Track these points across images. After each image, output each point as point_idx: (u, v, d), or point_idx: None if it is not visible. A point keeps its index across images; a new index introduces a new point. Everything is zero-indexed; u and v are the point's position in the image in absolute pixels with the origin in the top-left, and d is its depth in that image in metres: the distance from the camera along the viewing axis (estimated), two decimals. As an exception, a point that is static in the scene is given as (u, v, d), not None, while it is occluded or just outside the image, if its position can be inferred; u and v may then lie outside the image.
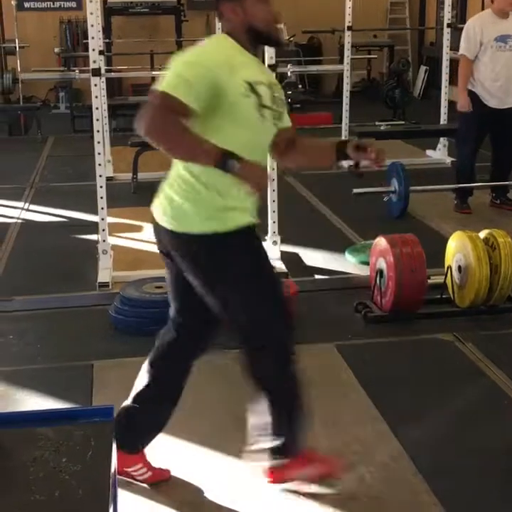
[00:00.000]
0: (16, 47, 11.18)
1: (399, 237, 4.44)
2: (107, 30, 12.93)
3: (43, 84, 13.27)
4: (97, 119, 4.91)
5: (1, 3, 12.87)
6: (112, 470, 1.44)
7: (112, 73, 7.55)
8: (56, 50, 13.76)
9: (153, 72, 11.22)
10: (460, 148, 6.69)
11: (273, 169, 5.06)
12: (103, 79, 7.62)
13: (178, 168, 2.63)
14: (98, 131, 4.87)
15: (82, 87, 11.12)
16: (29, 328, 4.38)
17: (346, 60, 8.30)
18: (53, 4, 13.91)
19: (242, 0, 2.65)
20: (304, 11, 14.19)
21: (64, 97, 12.77)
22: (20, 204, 6.99)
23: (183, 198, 2.60)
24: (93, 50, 4.80)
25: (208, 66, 2.51)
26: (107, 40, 12.77)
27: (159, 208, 2.68)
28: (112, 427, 1.49)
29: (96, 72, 4.88)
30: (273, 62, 4.90)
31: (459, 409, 3.45)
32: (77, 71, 10.30)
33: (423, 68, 14.08)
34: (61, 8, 13.88)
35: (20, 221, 6.49)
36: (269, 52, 4.89)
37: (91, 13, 4.78)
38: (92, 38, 4.75)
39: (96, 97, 4.90)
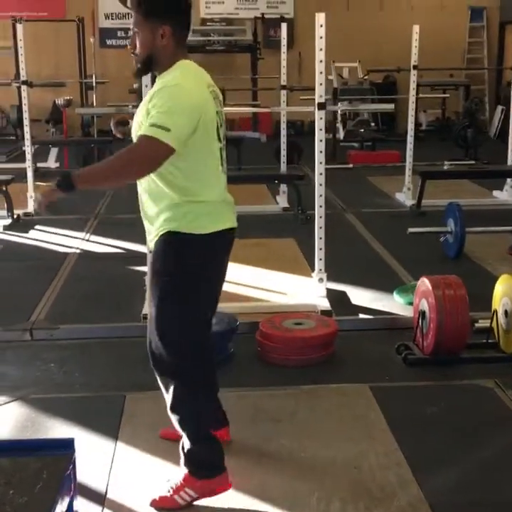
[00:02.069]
0: (93, 82, 11.53)
1: (442, 279, 4.36)
2: (183, 67, 13.24)
3: (121, 118, 13.60)
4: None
5: (84, 40, 13.30)
6: (66, 503, 1.44)
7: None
8: (135, 85, 14.12)
9: (225, 108, 11.39)
10: None
11: (320, 207, 5.06)
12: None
13: None
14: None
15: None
16: (70, 356, 4.45)
17: (411, 99, 8.22)
18: (133, 41, 14.30)
19: None
20: (380, 49, 14.25)
21: (138, 131, 13.05)
22: (81, 234, 7.17)
23: None
24: (145, 86, 4.88)
25: None
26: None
27: None
28: (68, 460, 1.49)
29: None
30: (322, 100, 4.90)
31: (488, 458, 3.32)
32: (130, 106, 10.52)
33: (500, 108, 13.90)
34: (141, 45, 14.25)
35: (78, 251, 6.64)
36: (319, 90, 4.91)
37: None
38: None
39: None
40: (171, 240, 2.85)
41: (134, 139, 2.88)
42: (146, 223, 2.98)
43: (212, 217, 2.89)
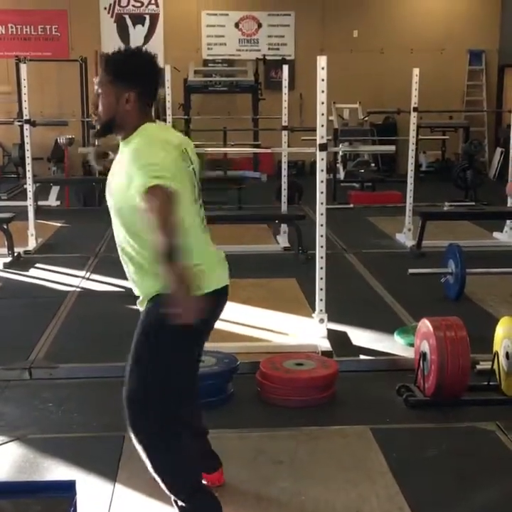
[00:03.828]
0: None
1: (443, 320, 4.34)
2: (186, 107, 13.37)
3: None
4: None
5: (87, 80, 13.43)
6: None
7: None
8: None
9: (226, 149, 11.49)
10: None
11: (321, 247, 5.07)
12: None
13: None
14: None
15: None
16: (69, 396, 4.43)
17: (411, 140, 8.28)
18: (136, 81, 14.44)
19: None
20: (381, 91, 14.40)
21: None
22: (81, 273, 7.17)
23: None
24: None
25: None
26: (186, 117, 13.19)
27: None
28: (69, 503, 1.48)
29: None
30: (324, 141, 4.94)
31: (490, 503, 3.30)
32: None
33: (499, 150, 14.00)
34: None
35: (78, 289, 6.64)
36: (321, 132, 4.94)
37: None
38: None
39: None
40: (160, 302, 2.69)
41: (111, 202, 2.81)
42: (131, 282, 2.89)
43: (203, 278, 2.74)
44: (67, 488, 1.53)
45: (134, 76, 2.75)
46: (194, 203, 2.81)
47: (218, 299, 2.86)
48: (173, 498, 2.91)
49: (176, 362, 2.79)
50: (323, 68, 4.85)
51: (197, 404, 3.23)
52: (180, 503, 2.89)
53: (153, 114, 2.86)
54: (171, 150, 2.74)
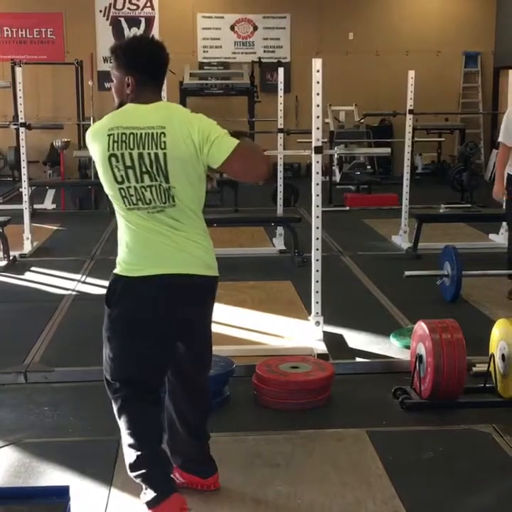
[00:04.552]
0: (91, 125, 11.61)
1: (439, 323, 4.34)
2: (181, 110, 13.36)
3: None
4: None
5: (82, 83, 13.43)
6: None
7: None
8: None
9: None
10: (509, 233, 6.63)
11: (317, 250, 5.07)
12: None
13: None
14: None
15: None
16: (65, 399, 4.41)
17: (407, 142, 8.28)
18: (132, 84, 14.43)
19: None
20: (377, 93, 14.41)
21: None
22: (77, 276, 7.15)
23: (209, 244, 3.00)
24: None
25: None
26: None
27: (201, 260, 2.95)
28: (63, 508, 1.46)
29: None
30: (319, 144, 4.93)
31: (486, 506, 3.29)
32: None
33: (495, 152, 13.99)
34: (139, 88, 14.39)
35: (74, 293, 6.62)
36: (316, 134, 4.94)
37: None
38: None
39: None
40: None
41: None
42: None
43: (133, 260, 2.96)
44: (61, 494, 1.52)
45: (130, 62, 2.96)
46: (113, 182, 2.89)
47: (153, 285, 2.92)
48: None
49: (108, 339, 3.06)
50: (318, 71, 4.85)
51: (194, 403, 3.25)
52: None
53: (158, 97, 2.99)
54: (103, 128, 2.88)
